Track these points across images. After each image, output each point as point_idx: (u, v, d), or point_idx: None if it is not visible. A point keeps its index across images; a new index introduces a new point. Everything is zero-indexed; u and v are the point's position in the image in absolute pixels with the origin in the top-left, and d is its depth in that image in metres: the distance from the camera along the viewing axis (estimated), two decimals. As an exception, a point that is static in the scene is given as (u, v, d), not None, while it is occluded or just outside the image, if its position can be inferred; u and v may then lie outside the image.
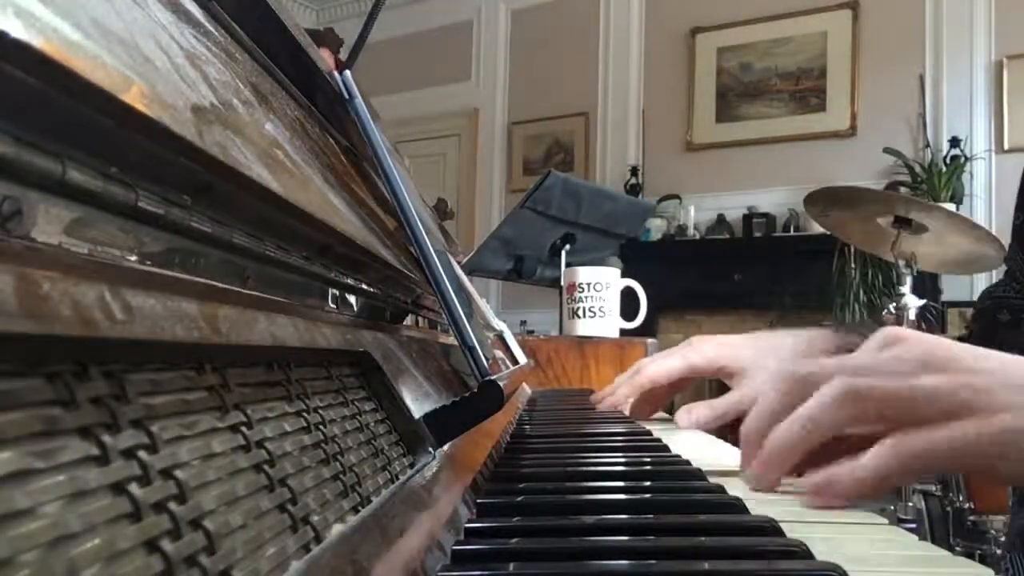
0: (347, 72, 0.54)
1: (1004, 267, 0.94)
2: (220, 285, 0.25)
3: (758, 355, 0.75)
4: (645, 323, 1.56)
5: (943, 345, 0.41)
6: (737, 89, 4.30)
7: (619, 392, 0.85)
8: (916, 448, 0.37)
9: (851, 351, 0.45)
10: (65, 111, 0.17)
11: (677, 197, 4.27)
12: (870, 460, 0.38)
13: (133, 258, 0.22)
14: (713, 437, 0.73)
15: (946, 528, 1.82)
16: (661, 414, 0.91)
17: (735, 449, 0.51)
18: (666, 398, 0.87)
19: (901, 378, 0.39)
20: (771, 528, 0.34)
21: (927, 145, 3.78)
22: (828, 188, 1.94)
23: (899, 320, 1.84)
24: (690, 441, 0.69)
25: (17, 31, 0.14)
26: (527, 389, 1.20)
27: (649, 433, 0.68)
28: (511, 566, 0.30)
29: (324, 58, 0.55)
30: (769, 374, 0.70)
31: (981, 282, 3.52)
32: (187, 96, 0.23)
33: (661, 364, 0.80)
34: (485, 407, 0.39)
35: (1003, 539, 1.69)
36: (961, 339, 0.61)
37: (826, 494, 0.40)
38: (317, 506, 0.24)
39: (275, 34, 0.47)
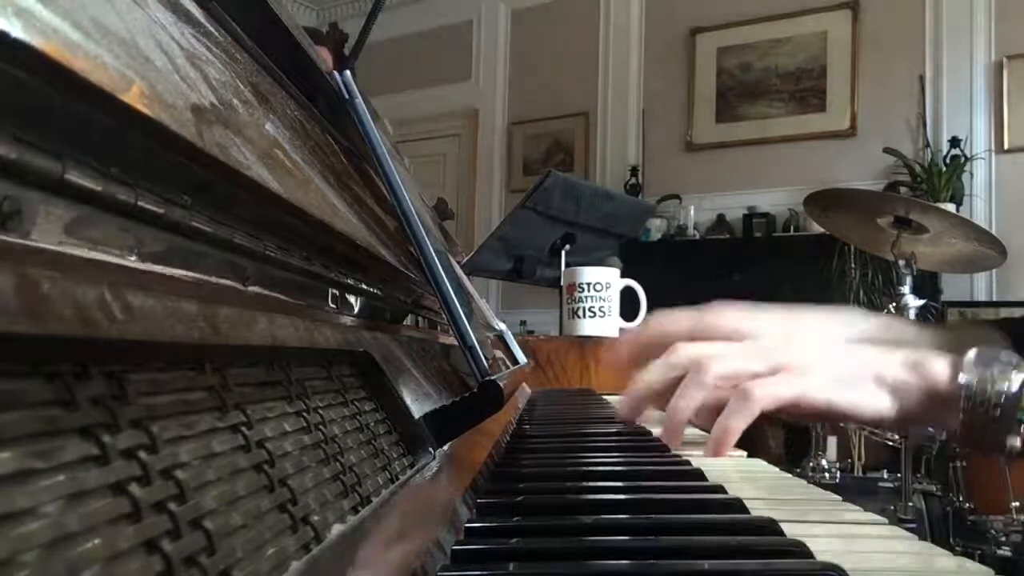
0: (347, 72, 0.54)
1: (1005, 265, 0.93)
2: (220, 285, 0.25)
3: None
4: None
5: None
6: (737, 89, 4.29)
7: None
8: (754, 392, 0.53)
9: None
10: (65, 111, 0.17)
11: (677, 197, 4.27)
12: (731, 410, 0.54)
13: (133, 258, 0.22)
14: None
15: (946, 528, 1.82)
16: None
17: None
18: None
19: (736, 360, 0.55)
20: (770, 528, 0.34)
21: (927, 145, 3.77)
22: (828, 188, 1.94)
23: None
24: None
25: (17, 31, 0.14)
26: (527, 389, 1.20)
27: (649, 433, 0.68)
28: (511, 566, 0.30)
29: (324, 59, 0.55)
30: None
31: (981, 282, 3.52)
32: (187, 96, 0.23)
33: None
34: (485, 407, 0.39)
35: (1003, 538, 1.68)
36: None
37: (722, 446, 0.54)
38: (317, 506, 0.23)
39: (275, 34, 0.47)
